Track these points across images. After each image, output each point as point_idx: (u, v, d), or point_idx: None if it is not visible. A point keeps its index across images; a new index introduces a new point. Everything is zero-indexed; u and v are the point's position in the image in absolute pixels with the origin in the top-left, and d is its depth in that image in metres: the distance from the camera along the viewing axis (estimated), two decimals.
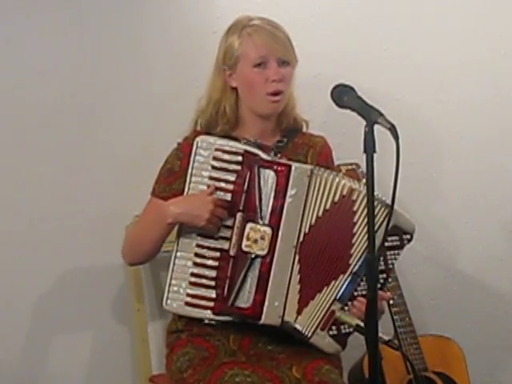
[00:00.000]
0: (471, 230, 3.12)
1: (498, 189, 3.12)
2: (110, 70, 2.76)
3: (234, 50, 2.29)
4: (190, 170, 2.20)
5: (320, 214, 2.18)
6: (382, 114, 1.85)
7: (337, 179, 2.18)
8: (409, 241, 2.19)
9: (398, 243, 2.18)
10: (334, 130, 2.83)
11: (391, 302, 2.68)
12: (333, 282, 2.17)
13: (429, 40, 3.00)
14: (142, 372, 2.72)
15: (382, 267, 2.18)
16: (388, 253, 2.18)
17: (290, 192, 2.17)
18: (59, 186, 2.74)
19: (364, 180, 2.54)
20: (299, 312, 2.17)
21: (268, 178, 2.18)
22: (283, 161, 2.22)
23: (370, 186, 1.85)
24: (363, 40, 2.95)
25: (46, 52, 2.69)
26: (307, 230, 2.18)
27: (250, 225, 2.17)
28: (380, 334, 1.90)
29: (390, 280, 2.65)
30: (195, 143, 2.21)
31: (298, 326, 2.17)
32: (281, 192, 2.16)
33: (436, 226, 3.07)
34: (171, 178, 2.31)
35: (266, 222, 2.17)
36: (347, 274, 2.16)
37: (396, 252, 2.19)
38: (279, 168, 2.17)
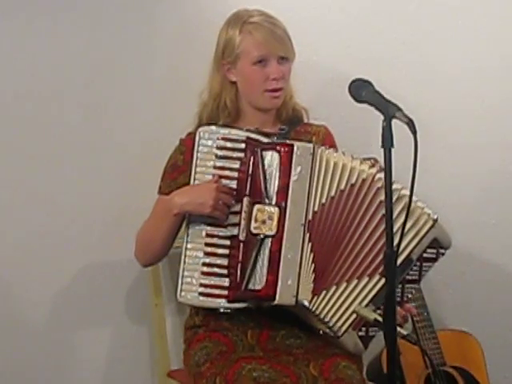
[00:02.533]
0: (490, 223, 3.11)
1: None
2: (118, 68, 2.75)
3: (234, 46, 2.31)
4: (194, 161, 2.20)
5: (333, 193, 2.18)
6: (399, 109, 1.84)
7: (352, 162, 2.19)
8: (442, 255, 2.20)
9: (434, 256, 2.19)
10: (353, 124, 2.83)
11: (409, 296, 2.67)
12: (366, 279, 2.16)
13: (445, 35, 2.99)
14: (160, 367, 2.72)
15: (416, 277, 2.19)
16: (423, 264, 2.19)
17: (295, 170, 2.16)
18: (74, 182, 2.74)
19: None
20: (315, 292, 2.16)
21: (271, 159, 2.18)
22: (285, 141, 2.22)
23: (388, 180, 1.85)
24: (380, 34, 2.94)
25: (47, 48, 2.69)
26: (316, 209, 2.17)
27: (257, 206, 2.16)
28: (398, 329, 1.89)
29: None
30: (197, 134, 2.21)
31: (311, 307, 2.15)
32: (285, 171, 2.16)
33: (454, 219, 3.05)
34: (175, 173, 2.33)
35: (273, 202, 2.16)
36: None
37: (430, 264, 2.20)
38: (282, 148, 2.17)
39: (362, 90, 1.94)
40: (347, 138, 2.51)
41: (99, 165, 2.76)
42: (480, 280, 3.13)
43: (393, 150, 1.83)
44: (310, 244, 2.17)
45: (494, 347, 2.94)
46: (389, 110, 1.85)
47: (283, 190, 2.16)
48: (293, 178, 2.16)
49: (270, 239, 2.15)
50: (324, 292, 2.16)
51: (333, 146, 2.42)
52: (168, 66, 2.78)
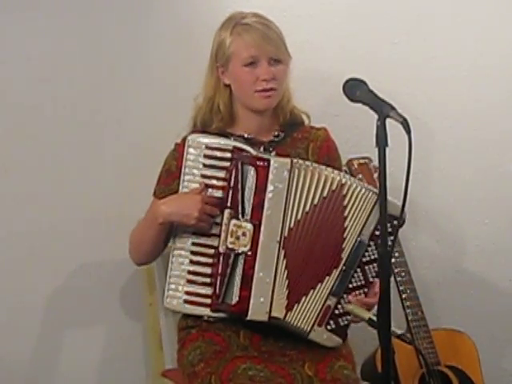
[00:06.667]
0: (482, 223, 3.11)
1: (508, 185, 3.11)
2: (114, 70, 2.75)
3: (225, 47, 2.29)
4: (182, 169, 2.22)
5: (307, 208, 2.18)
6: (393, 108, 1.85)
7: (325, 173, 2.19)
8: (400, 226, 2.13)
9: (389, 230, 2.16)
10: (347, 123, 2.83)
11: (404, 295, 2.68)
12: (327, 278, 2.18)
13: (438, 34, 2.99)
14: (154, 366, 2.72)
15: (376, 256, 2.19)
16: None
17: (270, 187, 2.16)
18: (68, 181, 2.75)
19: (375, 174, 2.55)
20: (289, 308, 2.18)
21: (250, 174, 2.18)
22: (264, 156, 2.21)
23: (383, 179, 1.85)
24: (373, 34, 2.93)
25: (39, 49, 2.69)
26: (292, 225, 2.18)
27: (233, 221, 2.17)
28: (392, 328, 1.89)
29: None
30: (186, 142, 2.23)
31: (286, 320, 2.18)
32: (261, 187, 2.16)
33: (447, 220, 3.07)
34: (169, 179, 2.33)
35: (248, 218, 2.17)
36: (339, 268, 2.18)
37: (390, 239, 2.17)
38: (259, 163, 2.17)
39: (356, 90, 1.94)
40: (342, 137, 2.50)
41: (93, 165, 2.77)
42: (474, 279, 3.13)
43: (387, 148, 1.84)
44: (285, 261, 2.18)
45: (488, 346, 2.94)
46: (383, 109, 1.85)
47: (258, 207, 2.17)
48: (268, 195, 2.16)
49: (243, 256, 2.17)
50: (296, 305, 2.18)
51: (330, 150, 2.42)
52: (165, 68, 2.78)
